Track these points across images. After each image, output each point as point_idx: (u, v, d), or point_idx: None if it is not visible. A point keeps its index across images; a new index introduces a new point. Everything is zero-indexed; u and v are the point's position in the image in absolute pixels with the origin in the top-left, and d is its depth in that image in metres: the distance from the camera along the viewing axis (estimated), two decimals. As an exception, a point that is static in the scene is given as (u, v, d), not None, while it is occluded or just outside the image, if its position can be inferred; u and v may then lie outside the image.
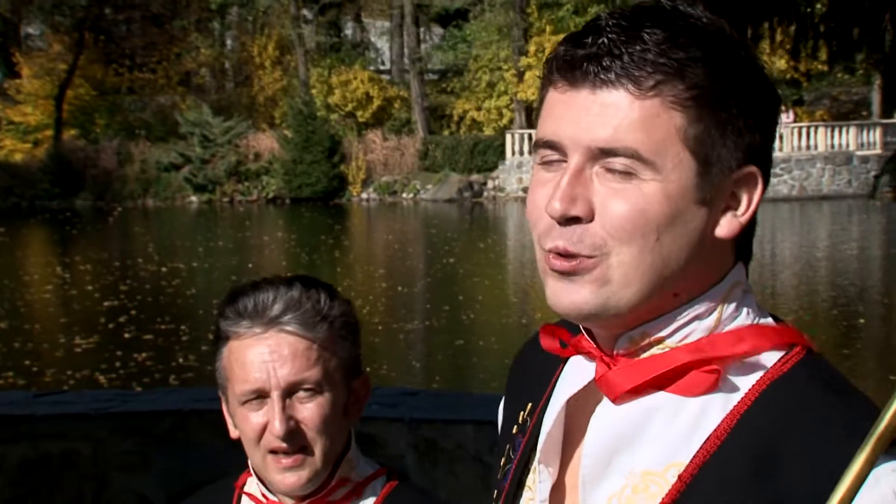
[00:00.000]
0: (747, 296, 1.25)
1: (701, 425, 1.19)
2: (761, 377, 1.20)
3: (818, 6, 6.88)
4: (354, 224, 37.50)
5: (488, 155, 42.06)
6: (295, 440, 1.81)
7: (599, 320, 1.21)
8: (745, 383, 1.20)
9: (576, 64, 1.18)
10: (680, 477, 1.17)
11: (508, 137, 41.58)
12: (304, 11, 49.94)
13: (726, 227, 1.21)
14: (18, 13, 49.43)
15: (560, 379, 1.32)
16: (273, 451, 1.82)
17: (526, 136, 41.24)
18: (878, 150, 37.89)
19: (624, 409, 1.22)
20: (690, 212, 1.18)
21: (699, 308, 1.22)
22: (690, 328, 1.22)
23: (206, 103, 45.42)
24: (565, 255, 1.19)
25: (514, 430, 1.38)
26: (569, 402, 1.28)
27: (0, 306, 18.95)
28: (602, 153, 1.17)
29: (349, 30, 53.66)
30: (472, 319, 16.87)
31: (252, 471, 1.91)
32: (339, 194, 42.07)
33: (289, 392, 1.82)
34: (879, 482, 1.10)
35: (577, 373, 1.29)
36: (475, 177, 41.68)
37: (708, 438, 1.18)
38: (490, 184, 41.32)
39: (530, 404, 1.37)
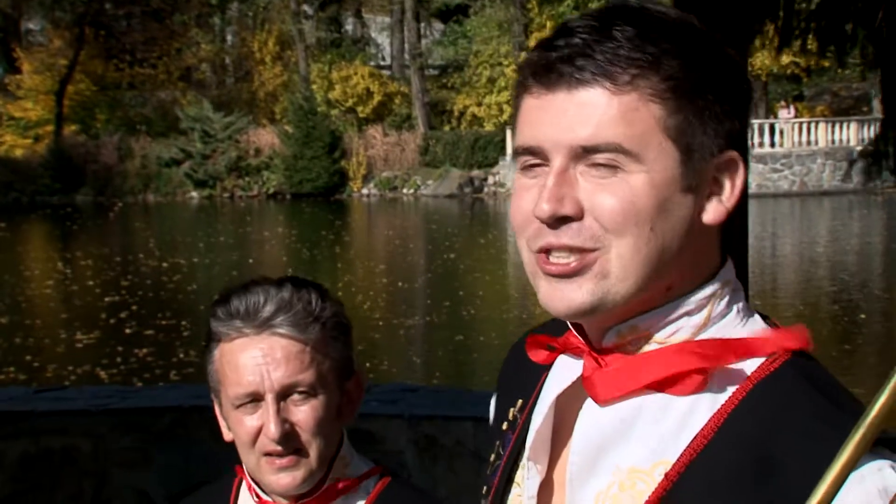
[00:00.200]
0: (737, 294, 1.27)
1: (688, 424, 1.19)
2: (749, 376, 1.20)
3: (811, 3, 6.87)
4: (355, 219, 37.49)
5: (489, 150, 42.04)
6: (289, 443, 1.81)
7: (595, 315, 1.21)
8: (733, 383, 1.20)
9: (550, 67, 1.19)
10: (667, 475, 1.18)
11: (509, 133, 41.51)
12: (305, 7, 49.89)
13: (713, 212, 1.22)
14: (19, 8, 49.39)
15: (549, 376, 1.33)
16: (268, 454, 1.82)
17: (526, 132, 41.12)
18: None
19: (611, 408, 1.23)
20: (678, 200, 1.19)
21: (689, 305, 1.23)
22: (679, 324, 1.23)
23: (207, 99, 45.39)
24: (564, 249, 1.19)
25: (503, 427, 1.39)
26: (558, 398, 1.29)
27: (1, 302, 18.96)
28: (585, 151, 1.18)
29: (350, 25, 53.61)
30: (473, 315, 16.87)
31: (246, 472, 1.91)
32: (340, 190, 42.05)
33: (283, 395, 1.81)
34: (864, 481, 1.11)
35: (565, 369, 1.30)
36: (476, 172, 41.66)
37: (695, 437, 1.18)
38: (491, 179, 41.30)
39: (520, 401, 1.38)
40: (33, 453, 5.18)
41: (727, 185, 1.23)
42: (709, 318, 1.23)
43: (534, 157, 1.21)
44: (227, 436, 1.89)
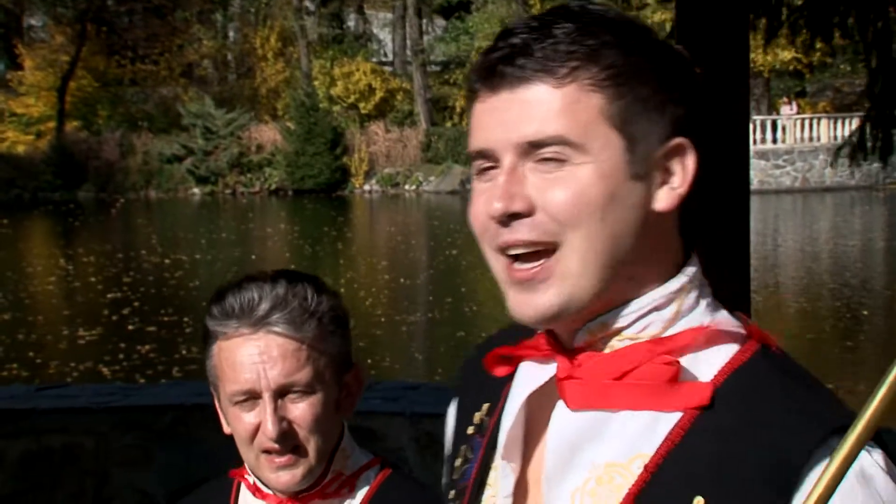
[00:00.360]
0: (704, 288, 1.28)
1: (663, 416, 1.20)
2: (721, 368, 1.21)
3: None
4: (357, 216, 37.50)
5: (491, 146, 42.02)
6: (287, 441, 1.81)
7: (565, 318, 1.23)
8: (706, 375, 1.21)
9: (492, 69, 1.21)
10: (646, 467, 1.19)
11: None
12: (307, 3, 49.86)
13: (664, 200, 1.23)
14: (21, 4, 49.38)
15: (517, 376, 1.33)
16: (266, 451, 1.82)
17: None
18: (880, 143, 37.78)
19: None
20: (627, 188, 1.20)
21: (658, 299, 1.24)
22: (649, 319, 1.23)
23: (209, 95, 45.38)
24: (521, 245, 1.21)
25: (469, 431, 1.39)
26: (529, 398, 1.29)
27: (3, 298, 18.97)
28: (531, 146, 1.20)
29: (352, 21, 53.57)
30: (475, 311, 16.87)
31: (247, 467, 1.91)
32: (342, 186, 42.05)
33: (280, 393, 1.81)
34: None
35: (535, 369, 1.31)
36: (478, 168, 41.61)
37: (672, 429, 1.19)
38: (493, 175, 41.25)
39: (486, 405, 1.39)
40: (35, 451, 5.18)
41: (678, 171, 1.23)
42: (678, 312, 1.24)
43: (486, 159, 1.23)
44: (227, 429, 1.90)
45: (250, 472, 1.91)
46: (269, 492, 1.88)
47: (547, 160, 1.19)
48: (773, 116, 39.82)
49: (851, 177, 37.03)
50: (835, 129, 38.94)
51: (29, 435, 5.21)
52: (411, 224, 33.49)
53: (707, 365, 1.22)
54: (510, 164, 1.21)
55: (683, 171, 1.24)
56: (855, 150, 7.72)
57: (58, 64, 45.95)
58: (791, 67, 41.85)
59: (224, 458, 2.09)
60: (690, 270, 1.26)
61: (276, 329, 1.81)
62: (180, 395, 5.43)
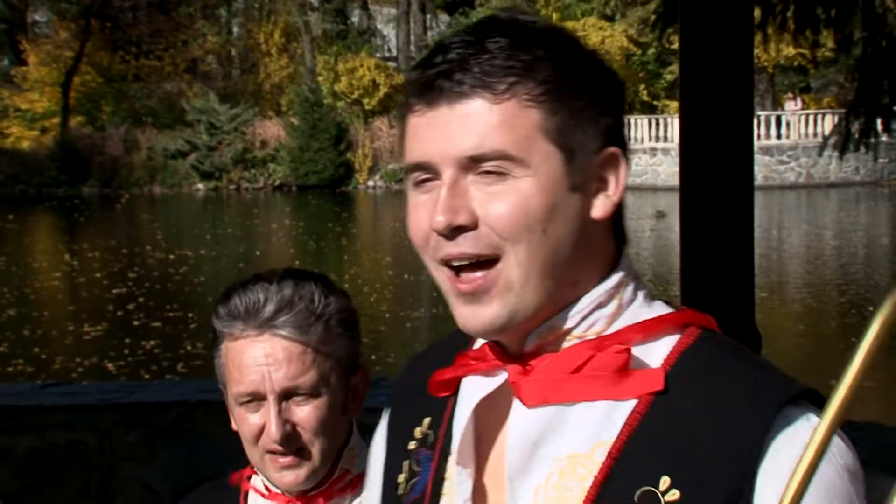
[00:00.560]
0: (638, 281, 1.32)
1: (620, 405, 1.23)
2: (669, 354, 1.25)
3: None
4: (361, 212, 37.50)
5: (495, 142, 42.01)
6: (291, 443, 1.82)
7: (512, 328, 1.25)
8: (655, 360, 1.25)
9: (430, 84, 1.23)
10: (609, 454, 1.22)
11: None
12: (311, -2, 49.88)
13: (601, 207, 1.26)
14: (25, 0, 49.41)
15: (463, 387, 1.36)
16: (270, 451, 1.83)
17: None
18: (884, 138, 37.74)
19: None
20: (566, 199, 1.23)
21: (600, 296, 1.27)
22: (594, 316, 1.27)
23: (213, 90, 45.38)
24: (465, 258, 1.23)
25: (409, 447, 1.40)
26: (478, 405, 1.31)
27: (9, 294, 18.99)
28: (472, 161, 1.21)
29: (355, 17, 53.55)
30: (479, 307, 16.84)
31: (253, 465, 1.92)
32: (346, 182, 42.06)
33: (284, 396, 1.81)
34: (799, 432, 1.17)
35: (482, 378, 1.33)
36: (482, 164, 41.61)
37: (630, 414, 1.23)
38: (497, 171, 41.23)
39: (428, 419, 1.40)
40: (40, 448, 5.19)
41: (611, 180, 1.27)
42: (620, 306, 1.28)
43: (424, 172, 1.25)
44: (235, 426, 1.91)
45: (257, 472, 1.92)
46: (278, 491, 1.89)
47: (488, 173, 1.21)
48: (778, 112, 39.77)
49: (856, 172, 37.01)
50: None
51: (34, 431, 5.22)
52: (415, 220, 33.40)
53: (655, 352, 1.26)
54: (451, 177, 1.22)
55: (617, 179, 1.27)
56: (846, 142, 7.75)
57: (62, 59, 45.97)
58: (795, 63, 41.80)
59: (228, 453, 2.09)
60: (625, 265, 1.30)
61: (282, 332, 1.81)
62: (184, 393, 5.44)
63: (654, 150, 38.02)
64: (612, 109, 1.28)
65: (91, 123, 45.12)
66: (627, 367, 1.24)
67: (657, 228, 26.99)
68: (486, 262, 1.23)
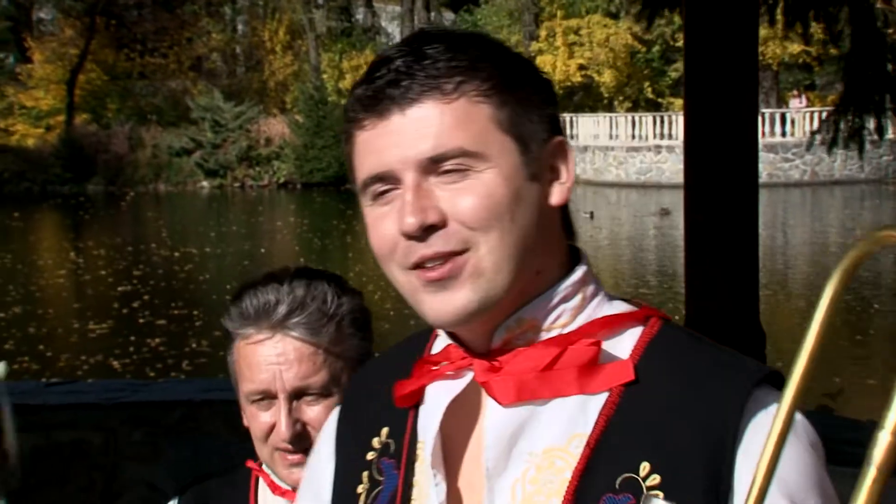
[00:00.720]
0: (597, 279, 1.36)
1: (592, 398, 1.26)
2: (636, 343, 1.29)
3: None
4: (366, 209, 37.44)
5: (500, 139, 42.01)
6: (301, 442, 1.83)
7: (482, 315, 1.27)
8: (623, 350, 1.29)
9: (378, 96, 1.26)
10: (587, 444, 1.24)
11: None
12: (316, -4, 49.87)
13: (557, 194, 1.31)
14: (30, -2, 49.47)
15: (427, 394, 1.37)
16: (280, 448, 1.85)
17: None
18: (890, 135, 37.70)
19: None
20: (526, 188, 1.27)
21: (565, 290, 1.31)
22: (560, 310, 1.30)
23: (218, 88, 45.40)
24: (438, 258, 1.24)
25: (367, 457, 1.41)
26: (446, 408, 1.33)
27: (14, 291, 19.01)
28: (432, 162, 1.24)
29: (360, 14, 53.57)
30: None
31: (263, 462, 1.94)
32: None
33: (295, 395, 1.83)
34: (768, 408, 1.21)
35: (447, 382, 1.34)
36: (486, 161, 41.60)
37: (605, 404, 1.26)
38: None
39: (386, 428, 1.41)
40: (44, 447, 5.19)
41: (562, 168, 1.32)
42: (584, 299, 1.32)
43: (384, 182, 1.27)
44: (247, 422, 1.93)
45: (267, 467, 1.93)
46: (288, 487, 1.90)
47: (450, 172, 1.24)
48: (782, 109, 39.72)
49: (861, 170, 36.94)
50: (845, 121, 38.75)
51: (39, 430, 5.22)
52: (420, 217, 33.41)
53: (622, 345, 1.29)
54: (414, 181, 1.25)
55: (567, 167, 1.32)
56: (835, 138, 7.74)
57: (67, 57, 46.00)
58: (800, 60, 41.74)
59: (233, 452, 2.09)
60: (585, 261, 1.35)
61: (294, 333, 1.82)
62: (189, 392, 5.45)
63: (658, 148, 37.98)
64: (550, 100, 1.33)
65: (96, 121, 45.14)
66: (597, 361, 1.26)
67: (661, 226, 26.97)
68: (456, 255, 1.25)
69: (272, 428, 1.84)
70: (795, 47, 38.28)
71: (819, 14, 7.15)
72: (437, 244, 1.24)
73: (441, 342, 1.38)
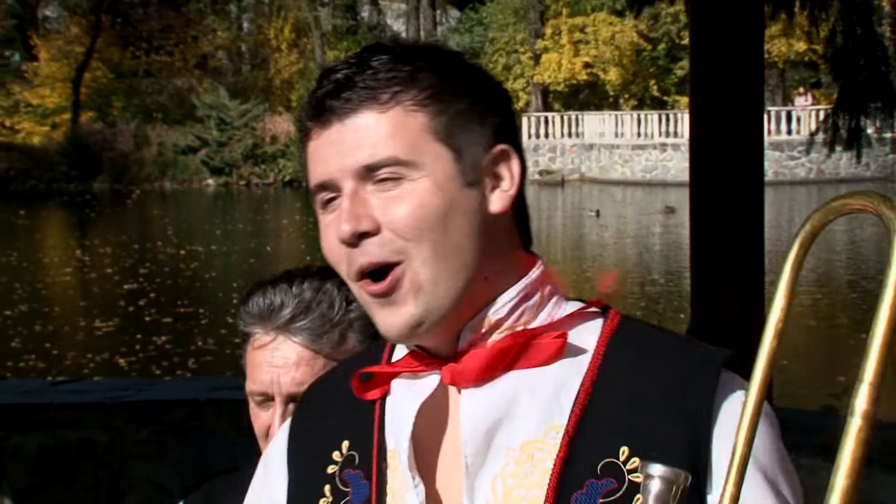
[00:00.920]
0: (554, 281, 1.38)
1: (566, 385, 1.29)
2: (600, 335, 1.33)
3: None
4: (371, 207, 37.46)
5: (505, 137, 41.97)
6: None
7: (432, 329, 1.28)
8: (589, 342, 1.32)
9: (321, 106, 1.31)
10: (565, 432, 1.27)
11: (525, 120, 41.48)
12: (321, -6, 49.87)
13: (498, 202, 1.31)
14: (36, -4, 49.51)
15: (393, 397, 1.38)
16: None
17: (542, 119, 41.15)
18: (874, 134, 37.55)
19: (488, 394, 1.30)
20: (462, 196, 1.28)
21: (525, 289, 1.33)
22: (522, 307, 1.32)
23: (223, 86, 45.44)
24: (374, 268, 1.26)
25: (328, 471, 1.40)
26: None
27: (20, 289, 19.04)
28: (367, 170, 1.27)
29: (365, 12, 53.57)
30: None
31: None
32: (356, 177, 42.09)
33: (291, 399, 1.82)
34: (736, 390, 1.27)
35: (412, 385, 1.35)
36: (492, 159, 41.57)
37: (578, 393, 1.29)
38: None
39: (347, 441, 1.40)
40: (50, 446, 5.20)
41: (505, 175, 1.33)
42: (542, 297, 1.34)
43: (328, 191, 1.31)
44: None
45: None
46: None
47: (384, 180, 1.27)
48: (788, 107, 39.68)
49: (867, 168, 36.91)
50: (851, 119, 38.69)
51: (44, 429, 5.23)
52: (425, 215, 33.42)
53: (584, 336, 1.32)
54: (351, 189, 1.28)
55: (511, 174, 1.33)
56: (834, 138, 7.70)
57: (73, 55, 46.06)
58: (806, 58, 41.67)
59: (238, 451, 2.10)
60: (541, 265, 1.36)
61: (295, 338, 1.83)
62: (194, 391, 5.45)
63: (664, 146, 37.96)
64: (499, 110, 1.34)
65: (102, 119, 45.19)
66: (562, 353, 1.29)
67: (667, 224, 26.95)
68: (392, 266, 1.27)
69: (270, 427, 1.85)
70: (801, 45, 38.22)
71: (818, 14, 7.13)
72: (371, 252, 1.26)
73: (400, 351, 1.39)
